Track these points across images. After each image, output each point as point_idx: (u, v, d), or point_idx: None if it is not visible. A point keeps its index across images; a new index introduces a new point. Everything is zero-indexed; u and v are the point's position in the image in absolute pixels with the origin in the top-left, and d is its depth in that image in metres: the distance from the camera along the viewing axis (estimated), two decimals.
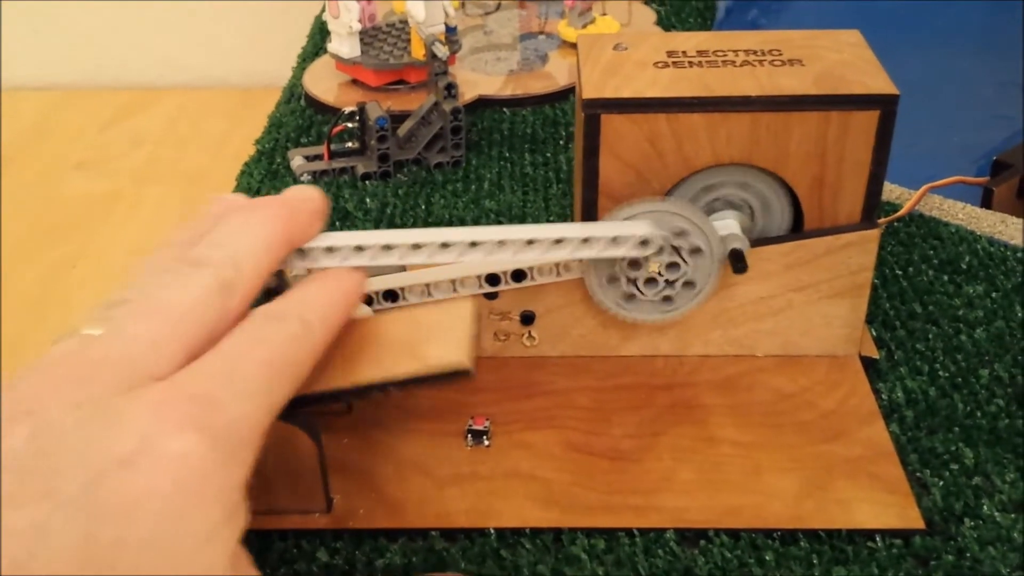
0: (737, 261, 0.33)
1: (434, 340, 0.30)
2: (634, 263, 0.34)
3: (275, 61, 0.67)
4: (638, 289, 0.35)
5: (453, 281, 0.34)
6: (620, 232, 0.32)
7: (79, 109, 1.24)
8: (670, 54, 0.35)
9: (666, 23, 0.67)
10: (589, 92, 0.33)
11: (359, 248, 0.30)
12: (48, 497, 0.21)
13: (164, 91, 1.27)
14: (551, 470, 0.33)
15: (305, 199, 0.30)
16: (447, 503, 0.32)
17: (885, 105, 0.33)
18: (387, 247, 0.30)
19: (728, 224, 0.34)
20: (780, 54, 0.35)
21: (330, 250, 0.30)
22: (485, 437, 0.34)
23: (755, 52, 0.35)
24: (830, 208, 0.35)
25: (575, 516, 0.31)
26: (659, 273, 0.34)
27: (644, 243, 0.33)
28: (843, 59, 0.34)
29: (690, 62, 0.35)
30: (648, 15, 0.68)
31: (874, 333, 0.39)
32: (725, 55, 0.35)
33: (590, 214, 0.35)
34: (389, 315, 0.32)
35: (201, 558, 0.22)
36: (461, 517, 0.31)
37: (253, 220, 0.28)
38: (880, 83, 0.33)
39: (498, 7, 0.70)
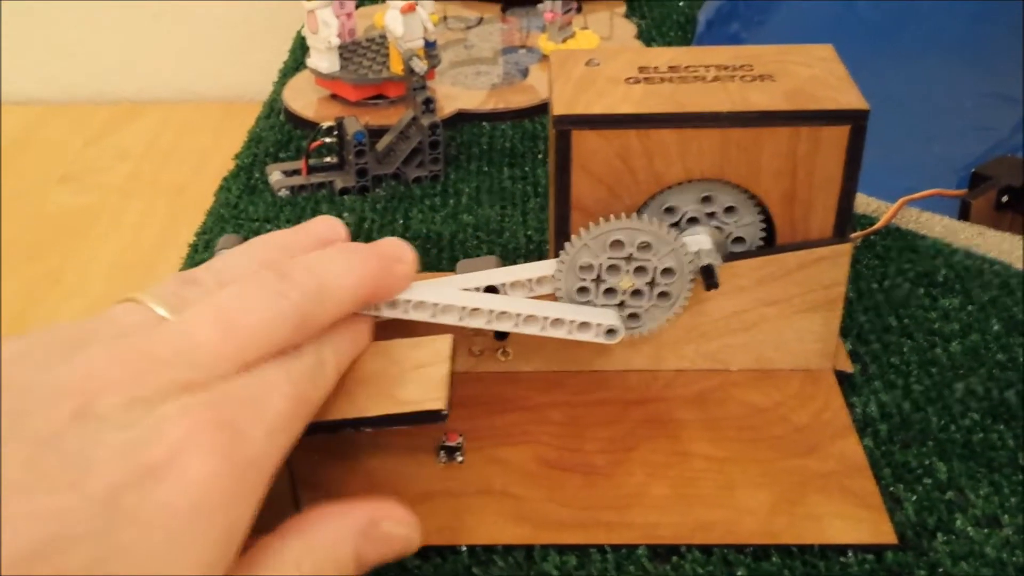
0: (708, 277, 0.33)
1: (411, 381, 0.30)
2: (608, 291, 0.34)
3: (259, 75, 0.67)
4: (633, 305, 0.35)
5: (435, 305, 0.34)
6: (589, 319, 0.34)
7: (63, 123, 1.24)
8: (642, 70, 0.35)
9: (646, 37, 0.67)
10: (560, 108, 0.33)
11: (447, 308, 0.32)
12: (76, 488, 0.21)
13: (148, 105, 1.27)
14: (524, 486, 0.33)
15: (398, 259, 0.31)
16: (419, 520, 0.31)
17: (855, 120, 0.33)
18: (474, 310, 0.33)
19: (699, 239, 0.34)
20: (751, 69, 0.35)
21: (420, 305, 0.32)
22: (458, 453, 0.34)
23: (726, 67, 0.35)
24: (802, 223, 0.35)
25: (547, 533, 0.31)
26: (634, 283, 0.34)
27: (611, 332, 0.34)
28: (814, 74, 0.35)
29: (661, 78, 0.35)
30: (629, 29, 0.68)
31: (849, 347, 0.39)
32: (696, 71, 0.35)
33: (563, 229, 0.35)
34: (367, 350, 0.32)
35: None
36: (432, 535, 0.31)
37: (351, 261, 0.29)
38: (850, 98, 0.33)
39: (480, 21, 0.71)
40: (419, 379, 0.30)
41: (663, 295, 0.34)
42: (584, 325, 0.34)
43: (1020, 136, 0.71)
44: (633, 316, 0.35)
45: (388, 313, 0.32)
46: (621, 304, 0.34)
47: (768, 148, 0.33)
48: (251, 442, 0.24)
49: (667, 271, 0.34)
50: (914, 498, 0.32)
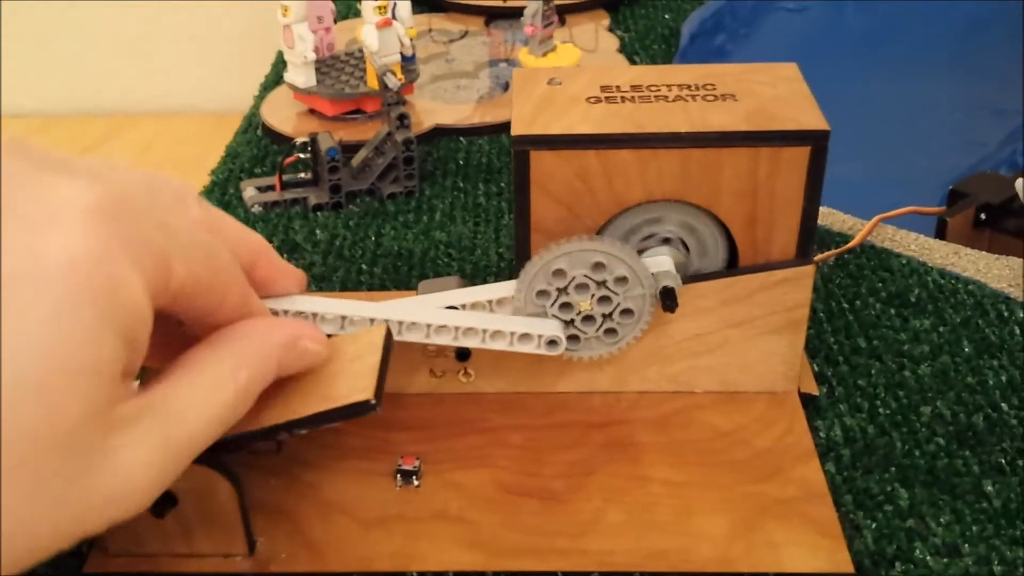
0: (667, 299, 0.33)
1: (342, 375, 0.30)
2: (565, 306, 0.34)
3: (251, 87, 0.67)
4: (579, 329, 0.34)
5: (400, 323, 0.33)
6: (529, 330, 0.33)
7: (56, 136, 1.24)
8: (604, 89, 0.35)
9: (629, 50, 0.67)
10: (518, 128, 0.33)
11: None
12: None
13: (141, 117, 1.28)
14: (480, 511, 0.32)
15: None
16: (371, 546, 0.31)
17: (816, 141, 0.32)
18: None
19: (661, 261, 0.34)
20: (714, 89, 0.35)
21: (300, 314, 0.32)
22: (415, 477, 0.33)
23: (689, 87, 0.35)
24: (764, 244, 0.34)
25: (500, 559, 0.31)
26: (592, 308, 0.34)
27: (552, 343, 0.33)
28: (777, 94, 0.34)
29: (623, 97, 0.34)
30: (612, 42, 0.68)
31: (816, 368, 0.38)
32: (658, 90, 0.35)
33: (524, 249, 0.35)
34: None
35: (87, 348, 0.22)
36: (385, 560, 0.31)
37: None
38: (811, 119, 0.33)
39: (464, 35, 0.70)
40: (350, 372, 0.29)
41: (611, 331, 0.34)
42: (525, 336, 0.33)
43: (1008, 149, 0.70)
44: (573, 338, 0.34)
45: (326, 329, 0.31)
46: (570, 322, 0.34)
47: (728, 169, 0.33)
48: (137, 224, 0.23)
49: (627, 312, 0.34)
50: (874, 526, 0.31)
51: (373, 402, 0.28)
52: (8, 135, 0.24)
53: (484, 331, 0.33)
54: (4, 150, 0.23)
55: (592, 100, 0.34)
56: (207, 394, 0.25)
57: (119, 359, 0.23)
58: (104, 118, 1.28)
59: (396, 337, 0.32)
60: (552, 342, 0.33)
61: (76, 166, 0.25)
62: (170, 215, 0.25)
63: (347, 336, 0.32)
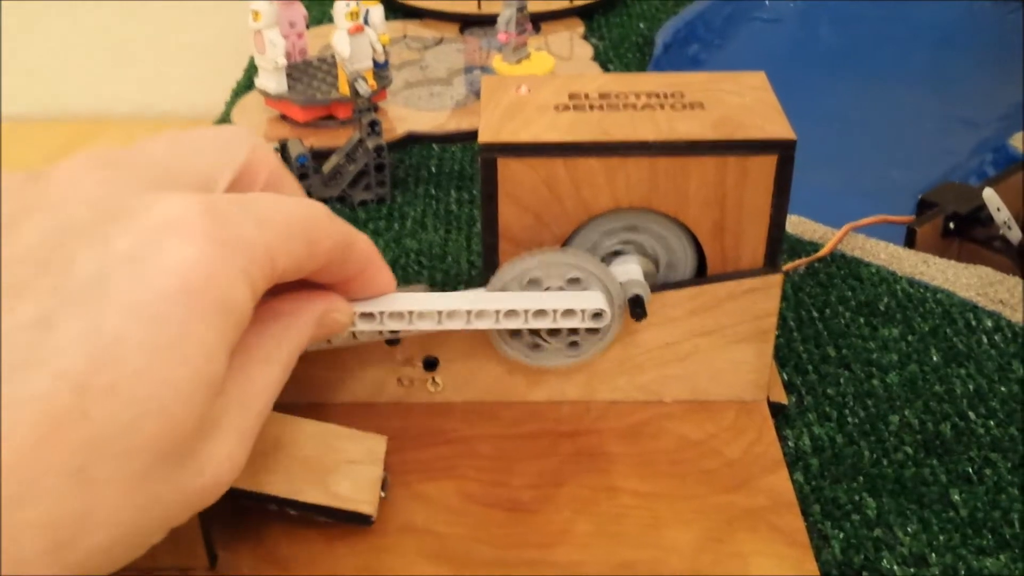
0: (636, 307, 0.33)
1: (345, 475, 0.30)
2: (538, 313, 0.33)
3: (222, 93, 0.66)
4: (543, 339, 0.34)
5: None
6: (574, 305, 0.32)
7: (25, 141, 1.23)
8: (572, 97, 0.35)
9: (603, 58, 0.67)
10: (485, 136, 0.33)
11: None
12: (56, 291, 0.21)
13: (109, 123, 1.26)
14: (447, 523, 0.32)
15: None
16: (336, 560, 0.31)
17: (782, 150, 0.32)
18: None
19: (629, 269, 0.34)
20: (682, 97, 0.35)
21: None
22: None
23: (657, 95, 0.35)
24: (732, 253, 0.34)
25: (468, 571, 0.30)
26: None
27: (598, 316, 0.32)
28: (744, 103, 0.34)
29: (591, 105, 0.34)
30: (586, 50, 0.68)
31: (785, 377, 0.38)
32: (627, 98, 0.35)
33: (492, 258, 0.34)
34: (305, 425, 0.32)
35: (205, 366, 0.22)
36: (349, 574, 0.30)
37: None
38: (778, 128, 0.33)
39: (439, 42, 0.70)
40: (353, 475, 0.30)
41: (536, 347, 0.34)
42: (511, 313, 0.32)
43: (977, 160, 0.71)
44: (516, 333, 0.34)
45: (363, 325, 0.31)
46: (535, 332, 0.34)
47: (695, 178, 0.33)
48: (239, 224, 0.23)
49: (574, 344, 0.34)
50: (841, 535, 0.31)
51: (373, 518, 0.30)
52: (94, 147, 0.24)
53: (469, 312, 0.32)
54: (98, 169, 0.23)
55: (560, 108, 0.34)
56: (262, 377, 0.26)
57: (225, 366, 0.23)
58: (71, 124, 1.27)
59: (377, 326, 0.31)
60: (597, 314, 0.32)
61: (161, 174, 0.25)
62: (259, 201, 0.25)
63: (347, 431, 0.32)
